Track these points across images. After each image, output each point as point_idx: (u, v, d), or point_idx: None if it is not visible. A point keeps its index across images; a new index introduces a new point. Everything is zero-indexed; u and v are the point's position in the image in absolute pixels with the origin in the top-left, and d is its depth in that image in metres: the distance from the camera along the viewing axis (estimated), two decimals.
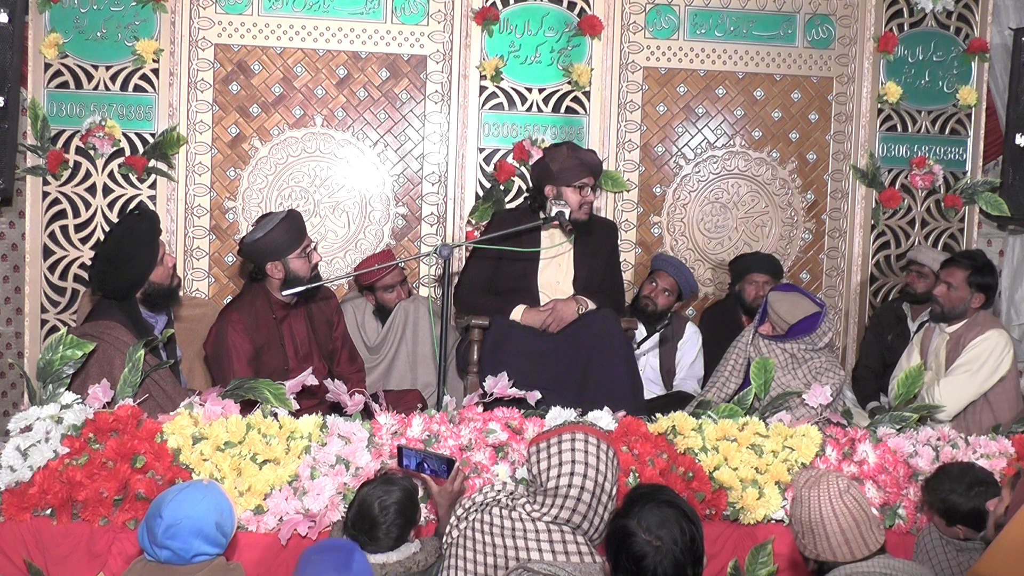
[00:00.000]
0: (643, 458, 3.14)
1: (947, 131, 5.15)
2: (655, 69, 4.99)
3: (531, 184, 4.34)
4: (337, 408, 3.28)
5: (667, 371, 4.67)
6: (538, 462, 2.76)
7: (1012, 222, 5.39)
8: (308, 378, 3.20)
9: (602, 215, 4.78)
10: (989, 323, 4.14)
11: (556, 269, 4.11)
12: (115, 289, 3.45)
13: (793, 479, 3.16)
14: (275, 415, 3.15)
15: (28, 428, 3.03)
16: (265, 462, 3.04)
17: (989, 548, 2.46)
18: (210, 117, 4.75)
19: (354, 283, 4.68)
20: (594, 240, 4.14)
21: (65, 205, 4.64)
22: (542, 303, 4.05)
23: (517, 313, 3.98)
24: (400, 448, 2.93)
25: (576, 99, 4.90)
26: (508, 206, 4.79)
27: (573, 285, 4.09)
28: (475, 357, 3.97)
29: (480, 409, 3.27)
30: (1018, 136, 5.08)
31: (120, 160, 4.66)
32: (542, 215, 4.01)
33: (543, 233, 4.09)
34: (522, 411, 3.28)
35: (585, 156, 4.09)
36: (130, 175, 4.67)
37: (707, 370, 4.60)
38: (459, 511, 2.79)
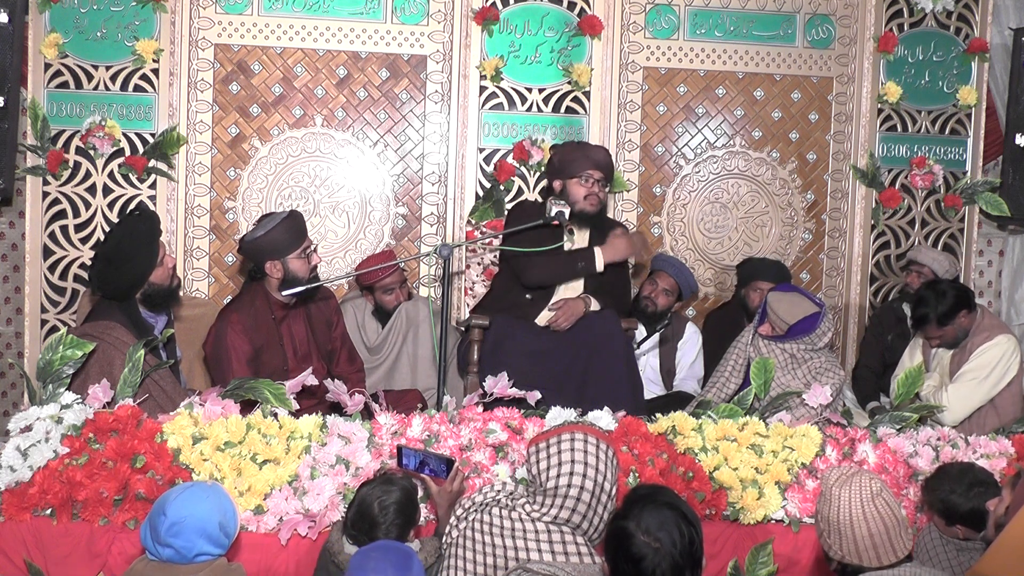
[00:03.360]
0: (643, 458, 3.14)
1: (947, 131, 5.14)
2: (655, 69, 4.99)
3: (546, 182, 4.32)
4: (337, 408, 3.28)
5: (667, 371, 4.67)
6: (538, 462, 2.76)
7: (1012, 222, 5.39)
8: (308, 378, 3.20)
9: (610, 217, 4.75)
10: (996, 328, 4.09)
11: None
12: (115, 289, 3.45)
13: (822, 477, 3.15)
14: (275, 415, 3.15)
15: (28, 428, 3.03)
16: (265, 462, 3.04)
17: (990, 548, 2.46)
18: (210, 117, 4.75)
19: (355, 282, 4.68)
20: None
21: (65, 205, 4.64)
22: (554, 300, 4.05)
23: (599, 255, 3.98)
24: (400, 448, 2.93)
25: (576, 99, 4.90)
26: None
27: (584, 286, 4.09)
28: (475, 357, 3.97)
29: (480, 409, 3.27)
30: (1018, 136, 5.08)
31: (120, 160, 4.66)
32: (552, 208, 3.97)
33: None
34: (522, 411, 3.28)
35: (590, 150, 4.10)
36: (130, 175, 4.67)
37: (707, 370, 4.60)
38: (459, 511, 2.79)
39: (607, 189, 4.14)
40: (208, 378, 4.07)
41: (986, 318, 4.12)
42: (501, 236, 3.99)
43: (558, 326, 3.94)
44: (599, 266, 4.00)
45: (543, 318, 4.00)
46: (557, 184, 4.05)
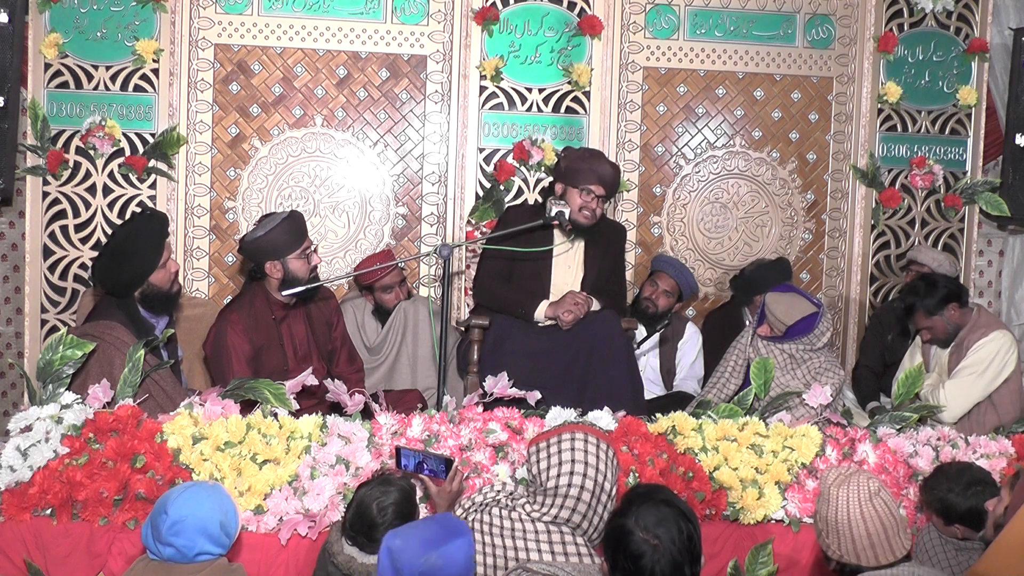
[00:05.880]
0: (643, 458, 3.14)
1: (947, 131, 5.15)
2: (655, 69, 4.99)
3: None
4: (337, 408, 3.28)
5: (667, 371, 4.67)
6: (538, 462, 2.76)
7: (1012, 222, 5.39)
8: (308, 378, 3.20)
9: (607, 216, 4.76)
10: (992, 324, 4.09)
11: (566, 270, 4.10)
12: (114, 285, 3.45)
13: (821, 477, 3.15)
14: (275, 415, 3.15)
15: (28, 428, 3.03)
16: (265, 462, 3.04)
17: (989, 548, 2.47)
18: (210, 117, 4.76)
19: (354, 282, 4.68)
20: (604, 242, 4.13)
21: (65, 205, 4.64)
22: (553, 297, 4.03)
23: (541, 310, 3.96)
24: (398, 449, 2.92)
25: (576, 99, 4.90)
26: (508, 205, 4.79)
27: (582, 286, 4.09)
28: (475, 357, 3.97)
29: (480, 409, 3.27)
30: (1018, 136, 5.08)
31: (120, 160, 4.66)
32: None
33: (555, 232, 4.07)
34: (522, 411, 3.28)
35: (598, 164, 4.00)
36: (130, 175, 4.67)
37: (707, 370, 4.60)
38: (458, 511, 2.79)
39: (606, 205, 4.12)
40: (208, 378, 4.07)
41: (982, 316, 4.11)
42: (496, 239, 3.97)
43: (562, 320, 3.91)
44: (537, 315, 3.97)
45: (542, 311, 3.98)
46: (559, 188, 4.04)
